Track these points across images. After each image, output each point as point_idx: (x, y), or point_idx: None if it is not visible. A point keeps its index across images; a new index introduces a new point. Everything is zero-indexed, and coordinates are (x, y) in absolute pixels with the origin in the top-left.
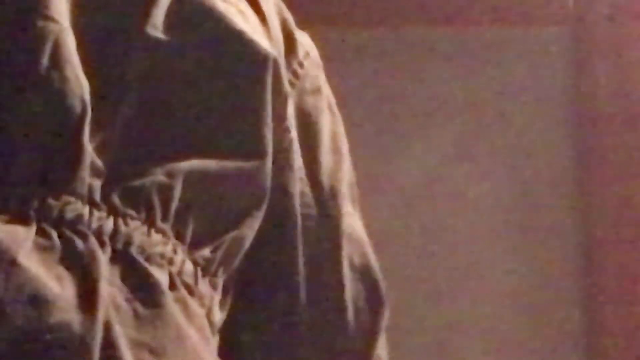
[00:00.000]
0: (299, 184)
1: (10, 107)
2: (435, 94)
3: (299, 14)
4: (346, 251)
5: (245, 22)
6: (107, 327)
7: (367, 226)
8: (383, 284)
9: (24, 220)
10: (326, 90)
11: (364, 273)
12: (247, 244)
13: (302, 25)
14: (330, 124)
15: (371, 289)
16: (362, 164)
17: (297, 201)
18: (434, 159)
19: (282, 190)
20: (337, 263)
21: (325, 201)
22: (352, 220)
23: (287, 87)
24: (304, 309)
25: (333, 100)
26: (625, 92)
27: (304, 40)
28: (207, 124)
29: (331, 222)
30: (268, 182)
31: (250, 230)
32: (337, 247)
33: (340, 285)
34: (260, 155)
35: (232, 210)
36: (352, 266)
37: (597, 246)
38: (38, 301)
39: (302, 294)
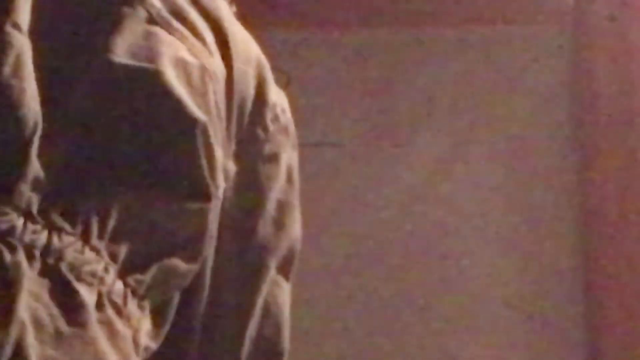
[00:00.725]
0: (211, 249)
1: None
2: (435, 94)
3: (298, 14)
4: (255, 324)
5: (202, 82)
6: (19, 344)
7: (366, 226)
8: (284, 350)
9: None
10: (288, 156)
11: (272, 347)
12: (184, 274)
13: (301, 25)
14: (281, 193)
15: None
16: (361, 164)
17: (207, 270)
18: (433, 158)
19: (193, 248)
20: (241, 335)
21: (246, 272)
22: (276, 292)
23: (217, 151)
24: None
25: (296, 166)
26: (625, 92)
27: (278, 102)
28: (145, 163)
29: (246, 295)
30: (207, 224)
31: (186, 263)
32: (244, 323)
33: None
34: (199, 196)
35: (166, 241)
36: (260, 338)
37: (597, 246)
38: None
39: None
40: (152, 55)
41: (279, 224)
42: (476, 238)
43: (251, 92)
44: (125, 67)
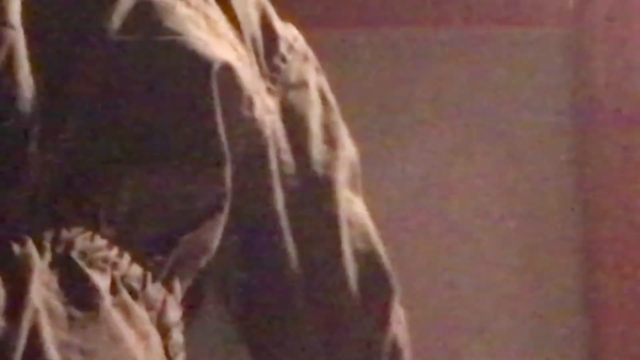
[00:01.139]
0: (278, 181)
1: None
2: (435, 94)
3: (299, 14)
4: (347, 237)
5: (211, 28)
6: (34, 331)
7: None
8: (389, 268)
9: None
10: (316, 79)
11: (369, 258)
12: (211, 246)
13: (301, 25)
14: (320, 115)
15: (377, 274)
16: (362, 164)
17: (279, 203)
18: (433, 159)
19: (259, 191)
20: (337, 249)
21: (318, 193)
22: (352, 207)
23: (248, 89)
24: (303, 301)
25: (327, 88)
26: (625, 92)
27: (287, 33)
28: (156, 131)
29: (327, 212)
30: (227, 186)
31: (210, 232)
32: (336, 235)
33: (342, 271)
34: (214, 159)
35: (186, 213)
36: (356, 251)
37: (597, 246)
38: None
39: (300, 291)
40: (150, 25)
41: (330, 142)
42: (476, 237)
43: (256, 29)
44: (125, 43)
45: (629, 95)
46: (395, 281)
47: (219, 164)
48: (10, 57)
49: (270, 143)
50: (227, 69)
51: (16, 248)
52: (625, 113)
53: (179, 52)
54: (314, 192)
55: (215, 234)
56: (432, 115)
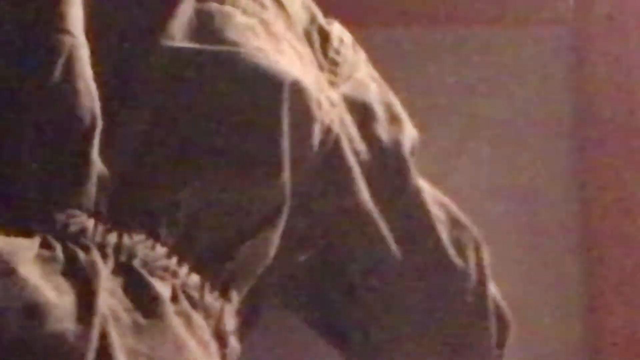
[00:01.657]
0: (358, 171)
1: (21, 119)
2: (435, 93)
3: None
4: (433, 213)
5: (269, 34)
6: (103, 337)
7: None
8: (474, 229)
9: (28, 232)
10: (366, 67)
11: (453, 222)
12: (267, 253)
13: None
14: (380, 95)
15: (467, 235)
16: None
17: (362, 192)
18: (433, 158)
19: (343, 188)
20: (429, 219)
21: (395, 172)
22: (421, 181)
23: (314, 95)
24: (406, 278)
25: (376, 75)
26: (625, 92)
27: (334, 27)
28: (218, 138)
29: (409, 188)
30: (285, 194)
31: (267, 240)
32: (423, 207)
33: (438, 240)
34: (274, 168)
35: (245, 222)
36: (440, 220)
37: (597, 246)
38: (34, 311)
39: (403, 268)
40: (211, 35)
41: (393, 119)
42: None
43: (308, 25)
44: (185, 52)
45: (629, 95)
46: (481, 239)
47: (278, 173)
48: (70, 65)
49: (342, 137)
50: (296, 85)
51: (81, 255)
52: (625, 113)
53: (241, 65)
54: (392, 173)
55: (272, 243)
56: (431, 115)
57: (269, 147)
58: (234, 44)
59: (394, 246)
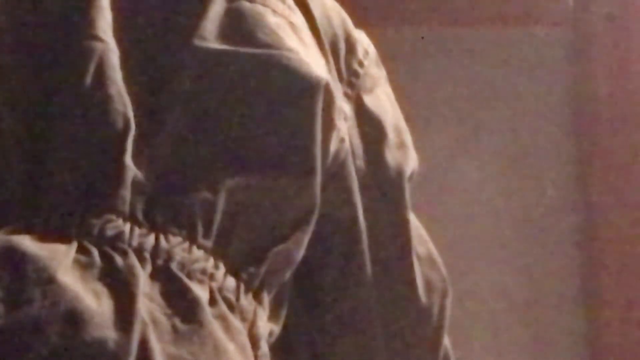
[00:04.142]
0: (357, 188)
1: (54, 125)
2: (435, 94)
3: None
4: (414, 246)
5: (296, 35)
6: (143, 343)
7: None
8: (445, 272)
9: (65, 238)
10: (384, 87)
11: (430, 261)
12: (297, 257)
13: None
14: (392, 118)
15: (438, 276)
16: None
17: (359, 209)
18: (433, 159)
19: (345, 201)
20: (408, 254)
21: (391, 198)
22: (411, 214)
23: (339, 101)
24: (373, 301)
25: (392, 95)
26: (625, 92)
27: (362, 38)
28: (253, 139)
29: (399, 217)
30: (317, 197)
31: (298, 244)
32: (406, 239)
33: (411, 274)
34: (308, 170)
35: (278, 225)
36: (418, 256)
37: (597, 246)
38: (74, 318)
39: (373, 297)
40: (243, 35)
41: (401, 145)
42: (476, 237)
43: (339, 32)
44: (217, 52)
45: (628, 95)
46: (449, 285)
47: (311, 174)
48: (100, 71)
49: (349, 150)
50: (327, 90)
51: (119, 260)
52: (625, 113)
53: (276, 67)
54: (387, 197)
55: (302, 246)
56: (432, 115)
57: (303, 149)
58: (267, 45)
59: (369, 269)
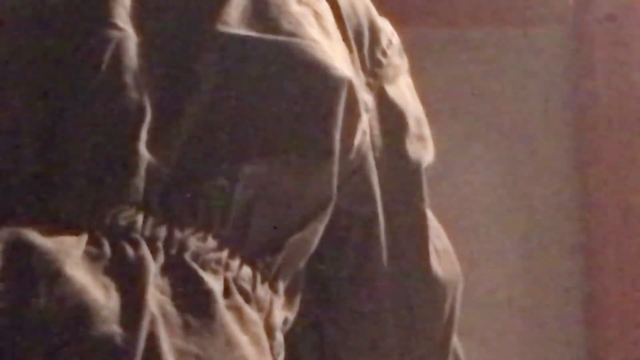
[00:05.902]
0: (377, 181)
1: (67, 113)
2: (435, 93)
3: None
4: (431, 239)
5: (321, 26)
6: (151, 338)
7: None
8: (459, 267)
9: (76, 229)
10: (405, 78)
11: (446, 255)
12: (312, 246)
13: None
14: (413, 109)
15: (453, 270)
16: None
17: (378, 202)
18: (433, 158)
19: (365, 194)
20: (425, 246)
21: (410, 190)
22: (428, 209)
23: (363, 96)
24: (388, 296)
25: (411, 83)
26: (625, 92)
27: (385, 27)
28: (271, 126)
29: (418, 210)
30: (334, 185)
31: (314, 233)
32: (424, 232)
33: (428, 266)
34: (327, 155)
35: (296, 212)
36: (436, 249)
37: (597, 247)
38: (81, 312)
39: (388, 289)
40: (267, 23)
41: (420, 137)
42: (476, 237)
43: (364, 21)
44: (240, 39)
45: (628, 95)
46: (461, 285)
47: (329, 164)
48: (116, 59)
49: (369, 142)
50: (350, 81)
51: (129, 251)
52: (625, 113)
53: (298, 56)
54: (406, 189)
55: (317, 235)
56: (432, 115)
57: (323, 139)
58: (291, 33)
59: (385, 261)
